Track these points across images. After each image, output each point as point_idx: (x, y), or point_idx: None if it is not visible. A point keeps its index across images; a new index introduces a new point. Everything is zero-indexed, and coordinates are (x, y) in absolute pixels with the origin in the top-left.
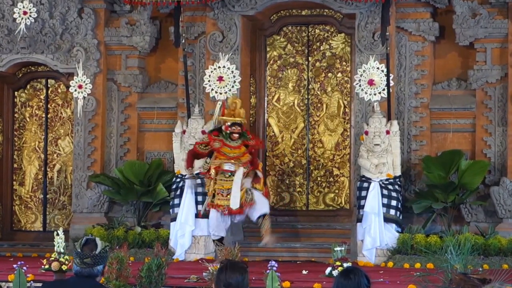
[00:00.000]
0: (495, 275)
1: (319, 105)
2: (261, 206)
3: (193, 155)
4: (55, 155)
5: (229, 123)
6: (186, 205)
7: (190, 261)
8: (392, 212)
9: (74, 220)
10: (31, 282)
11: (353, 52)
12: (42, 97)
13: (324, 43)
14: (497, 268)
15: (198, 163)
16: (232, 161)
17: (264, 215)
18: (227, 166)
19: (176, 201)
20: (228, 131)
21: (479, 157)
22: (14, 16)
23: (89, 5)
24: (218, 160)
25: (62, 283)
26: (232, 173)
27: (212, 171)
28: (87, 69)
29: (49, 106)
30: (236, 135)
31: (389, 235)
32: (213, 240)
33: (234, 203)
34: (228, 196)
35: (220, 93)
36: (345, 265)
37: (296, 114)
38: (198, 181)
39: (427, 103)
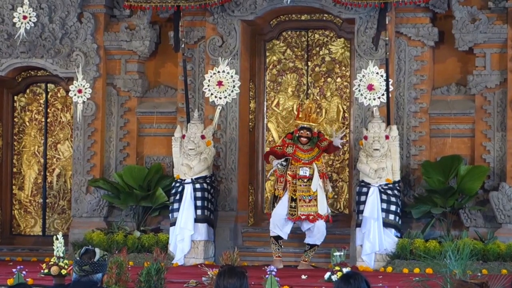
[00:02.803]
0: (494, 280)
1: (318, 110)
2: (319, 236)
3: (270, 154)
4: (54, 159)
5: (298, 127)
6: (186, 209)
7: (190, 265)
8: (391, 217)
9: (74, 224)
10: (31, 286)
11: (353, 57)
12: (41, 101)
13: (323, 48)
14: (496, 273)
15: (275, 162)
16: (307, 166)
17: (314, 246)
18: (302, 172)
19: (176, 205)
20: (297, 135)
21: (478, 162)
22: (14, 20)
23: (89, 9)
24: (293, 166)
25: None
26: (309, 179)
27: (288, 177)
28: (86, 73)
29: (48, 110)
30: (304, 139)
31: (388, 240)
32: (270, 237)
33: (315, 185)
34: (311, 202)
35: (220, 98)
36: (344, 270)
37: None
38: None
39: (426, 108)
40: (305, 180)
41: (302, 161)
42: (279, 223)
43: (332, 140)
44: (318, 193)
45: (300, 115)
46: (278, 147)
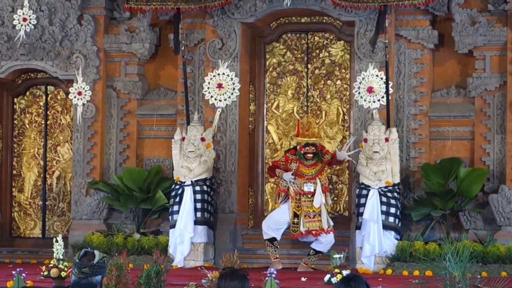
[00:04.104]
0: (493, 282)
1: (318, 112)
2: (327, 245)
3: (275, 168)
4: (54, 161)
5: (303, 144)
6: (185, 212)
7: (189, 268)
8: (391, 219)
9: (73, 226)
10: None
11: (352, 60)
12: (41, 103)
13: (323, 51)
14: (496, 275)
15: (286, 176)
16: (312, 181)
17: (320, 253)
18: (306, 188)
19: (175, 208)
20: (302, 152)
21: (478, 164)
22: (14, 22)
23: (89, 12)
24: (297, 182)
25: None
26: (313, 194)
27: (292, 193)
28: (86, 76)
29: (48, 112)
30: (310, 155)
31: (388, 242)
32: (265, 240)
33: (317, 201)
34: (315, 217)
35: (220, 100)
36: (344, 272)
37: (295, 122)
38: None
39: (426, 111)
40: (310, 196)
41: (306, 176)
42: (273, 226)
43: (335, 153)
44: (321, 208)
45: (301, 132)
46: (282, 163)
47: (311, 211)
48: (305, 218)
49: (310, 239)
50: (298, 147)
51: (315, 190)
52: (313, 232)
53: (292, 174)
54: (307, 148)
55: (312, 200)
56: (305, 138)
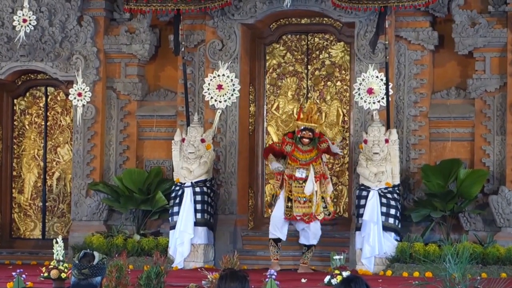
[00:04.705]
0: (493, 284)
1: (318, 113)
2: (314, 236)
3: (270, 151)
4: (54, 163)
5: (301, 128)
6: (185, 213)
7: (189, 269)
8: (391, 220)
9: (73, 228)
10: None
11: (352, 61)
12: (41, 105)
13: (323, 52)
14: (496, 277)
15: (273, 165)
16: (305, 167)
17: (311, 246)
18: (298, 174)
19: (175, 209)
20: (299, 136)
21: (478, 166)
22: (14, 24)
23: (89, 13)
24: (290, 166)
25: None
26: (305, 181)
27: (285, 177)
28: (86, 77)
29: (48, 114)
30: (306, 140)
31: (388, 243)
32: (269, 239)
33: (308, 189)
34: (305, 204)
35: (220, 102)
36: (344, 273)
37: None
38: (281, 168)
39: (426, 112)
40: (301, 182)
41: (300, 162)
42: (278, 225)
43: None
44: (313, 196)
45: (301, 116)
46: (277, 144)
47: (301, 197)
48: (295, 203)
49: (301, 226)
50: (296, 131)
51: (307, 176)
52: (305, 218)
53: (283, 164)
54: (304, 132)
55: (303, 187)
56: (304, 122)
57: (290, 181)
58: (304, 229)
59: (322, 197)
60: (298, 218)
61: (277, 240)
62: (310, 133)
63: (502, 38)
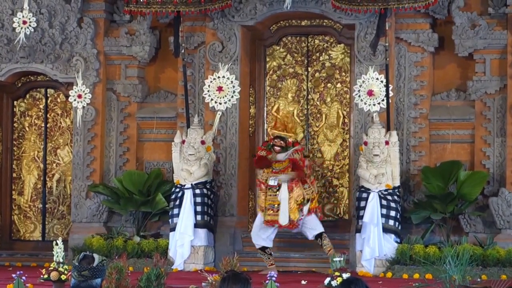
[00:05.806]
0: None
1: (318, 115)
2: (314, 225)
3: (259, 162)
4: (54, 164)
5: (274, 136)
6: (185, 215)
7: (189, 271)
8: (391, 222)
9: (73, 229)
10: None
11: (353, 63)
12: (41, 106)
13: (323, 54)
14: (496, 278)
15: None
16: (276, 175)
17: (321, 234)
18: (271, 181)
19: (175, 211)
20: (271, 143)
21: (478, 168)
22: (14, 25)
23: (89, 14)
24: (265, 174)
25: None
26: (278, 189)
27: (262, 186)
28: (86, 78)
29: (48, 115)
30: (278, 148)
31: (388, 245)
32: (257, 249)
33: (283, 219)
34: (278, 212)
35: (220, 103)
36: (344, 275)
37: (295, 125)
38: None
39: (426, 114)
40: (274, 190)
41: (273, 169)
42: (259, 233)
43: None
44: (282, 203)
45: (277, 125)
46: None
47: (274, 204)
48: (268, 211)
49: (297, 230)
50: (269, 139)
51: (279, 184)
52: (297, 224)
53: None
54: (275, 140)
55: (277, 194)
56: (276, 131)
57: (264, 188)
58: (303, 229)
59: (302, 201)
60: (290, 225)
61: (263, 248)
62: (282, 142)
63: (502, 40)
